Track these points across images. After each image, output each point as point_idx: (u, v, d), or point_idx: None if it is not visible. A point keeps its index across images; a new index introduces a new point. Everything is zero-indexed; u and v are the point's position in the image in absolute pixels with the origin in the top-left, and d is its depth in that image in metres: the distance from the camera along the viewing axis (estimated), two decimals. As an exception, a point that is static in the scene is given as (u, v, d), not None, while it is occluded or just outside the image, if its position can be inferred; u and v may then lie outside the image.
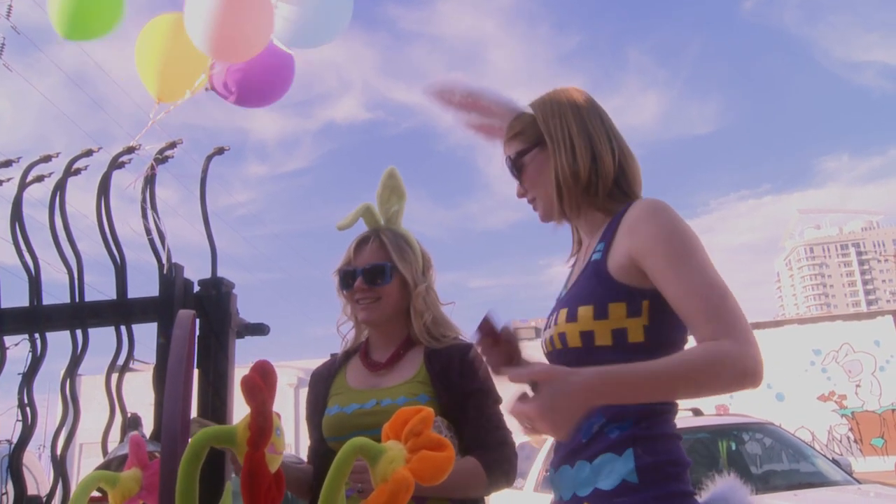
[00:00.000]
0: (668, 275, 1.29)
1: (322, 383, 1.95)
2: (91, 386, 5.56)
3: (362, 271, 1.86)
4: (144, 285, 2.18)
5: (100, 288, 2.73)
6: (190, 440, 0.62)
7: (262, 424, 0.57)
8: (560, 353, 1.42)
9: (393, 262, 1.86)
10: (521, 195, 1.59)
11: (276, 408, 0.75)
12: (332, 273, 1.95)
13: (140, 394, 2.55)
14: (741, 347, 1.18)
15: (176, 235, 2.17)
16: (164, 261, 2.10)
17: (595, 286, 1.39)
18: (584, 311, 1.37)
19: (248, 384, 0.58)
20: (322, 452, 1.88)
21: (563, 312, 1.41)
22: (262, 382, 0.58)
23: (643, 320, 1.34)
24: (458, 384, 1.79)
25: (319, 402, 1.91)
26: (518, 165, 1.57)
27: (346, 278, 1.90)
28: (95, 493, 0.97)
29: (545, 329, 1.52)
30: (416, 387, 1.80)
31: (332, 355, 2.03)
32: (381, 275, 1.85)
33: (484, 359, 1.45)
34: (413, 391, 1.79)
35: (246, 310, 2.19)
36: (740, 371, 1.17)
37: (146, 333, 2.16)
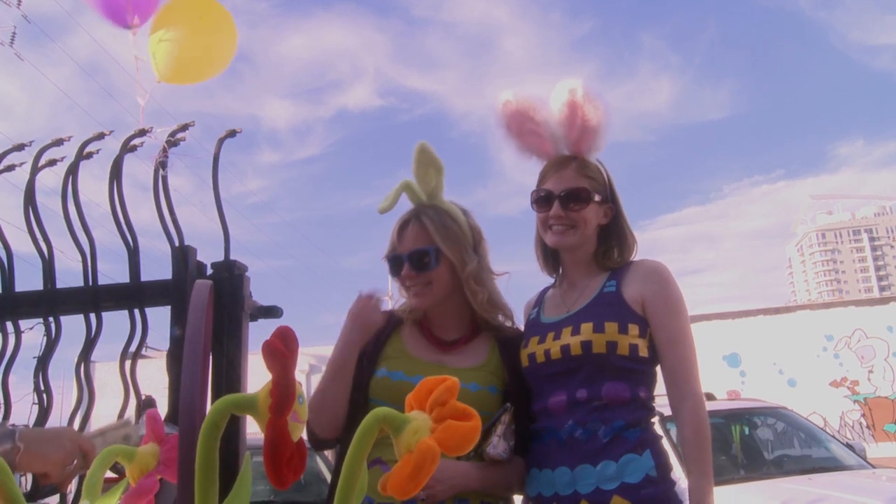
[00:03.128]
0: (664, 322, 1.74)
1: (375, 337, 1.85)
2: (105, 373, 5.59)
3: (408, 257, 1.79)
4: (156, 273, 2.18)
5: (112, 276, 2.73)
6: (209, 409, 0.61)
7: (285, 390, 0.55)
8: (576, 358, 1.72)
9: (437, 245, 1.78)
10: (556, 216, 1.82)
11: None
12: (382, 258, 1.88)
13: (153, 381, 2.55)
14: (698, 406, 1.69)
15: (188, 223, 2.16)
16: (177, 244, 2.09)
17: (616, 309, 1.75)
18: (611, 326, 1.72)
19: (269, 349, 0.57)
20: (357, 409, 1.77)
21: (588, 325, 1.73)
22: (283, 347, 0.56)
23: (647, 341, 1.75)
24: (522, 381, 1.80)
25: (367, 356, 1.83)
26: (580, 198, 1.82)
27: (394, 265, 1.83)
28: (110, 475, 0.96)
29: (540, 342, 1.79)
30: (488, 376, 1.79)
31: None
32: (426, 260, 1.78)
33: None
34: (486, 380, 1.78)
35: (258, 296, 2.18)
36: (708, 422, 1.69)
37: (158, 320, 2.16)
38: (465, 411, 0.61)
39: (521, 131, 1.92)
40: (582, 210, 1.81)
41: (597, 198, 1.84)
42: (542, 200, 1.86)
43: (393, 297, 1.94)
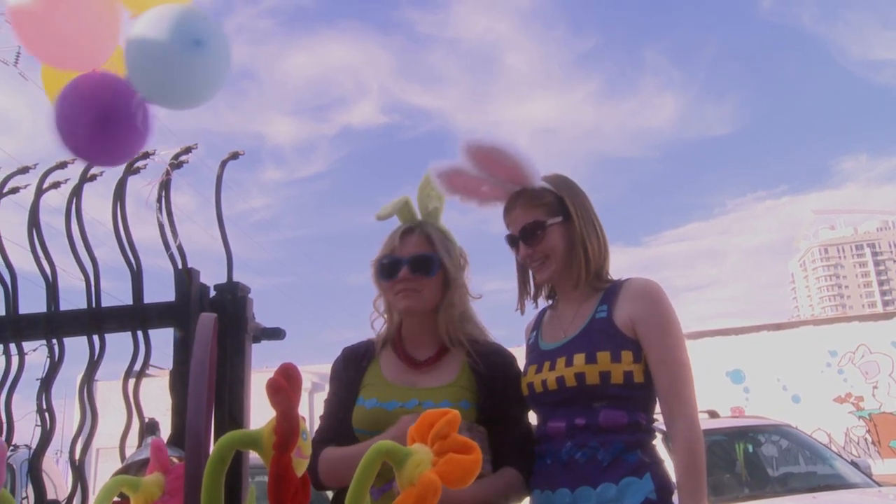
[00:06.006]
0: (654, 343, 1.71)
1: (356, 366, 1.92)
2: (108, 392, 5.57)
3: (409, 260, 1.84)
4: (160, 291, 2.18)
5: (115, 295, 2.74)
6: (215, 444, 0.61)
7: (289, 428, 0.56)
8: (571, 389, 1.71)
9: (439, 254, 1.86)
10: (527, 256, 1.85)
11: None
12: (371, 262, 1.93)
13: (156, 400, 2.55)
14: (690, 429, 1.65)
15: (192, 241, 2.17)
16: (180, 266, 2.10)
17: (608, 337, 1.73)
18: (603, 356, 1.70)
19: (273, 387, 0.57)
20: (345, 441, 1.83)
21: (580, 356, 1.72)
22: (287, 385, 0.57)
23: (642, 366, 1.72)
24: (501, 392, 1.82)
25: (350, 387, 1.89)
26: (538, 231, 1.82)
27: (390, 267, 1.87)
28: (115, 499, 0.97)
29: (537, 372, 1.79)
30: (458, 392, 1.80)
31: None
32: (428, 265, 1.84)
33: None
34: (456, 396, 1.79)
35: (261, 315, 2.18)
36: (702, 445, 1.65)
37: (161, 339, 2.16)
38: (465, 444, 0.61)
39: (470, 189, 1.95)
40: (543, 241, 1.82)
41: (553, 221, 1.83)
42: (510, 245, 1.91)
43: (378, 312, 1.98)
